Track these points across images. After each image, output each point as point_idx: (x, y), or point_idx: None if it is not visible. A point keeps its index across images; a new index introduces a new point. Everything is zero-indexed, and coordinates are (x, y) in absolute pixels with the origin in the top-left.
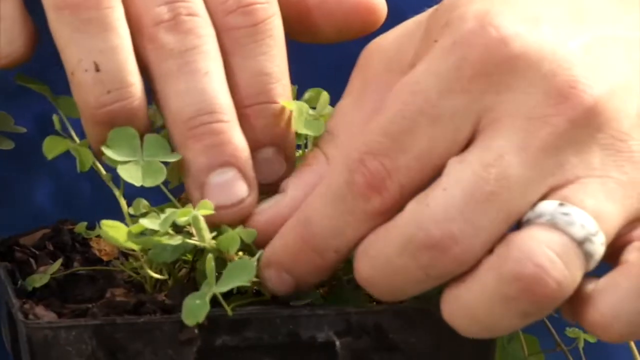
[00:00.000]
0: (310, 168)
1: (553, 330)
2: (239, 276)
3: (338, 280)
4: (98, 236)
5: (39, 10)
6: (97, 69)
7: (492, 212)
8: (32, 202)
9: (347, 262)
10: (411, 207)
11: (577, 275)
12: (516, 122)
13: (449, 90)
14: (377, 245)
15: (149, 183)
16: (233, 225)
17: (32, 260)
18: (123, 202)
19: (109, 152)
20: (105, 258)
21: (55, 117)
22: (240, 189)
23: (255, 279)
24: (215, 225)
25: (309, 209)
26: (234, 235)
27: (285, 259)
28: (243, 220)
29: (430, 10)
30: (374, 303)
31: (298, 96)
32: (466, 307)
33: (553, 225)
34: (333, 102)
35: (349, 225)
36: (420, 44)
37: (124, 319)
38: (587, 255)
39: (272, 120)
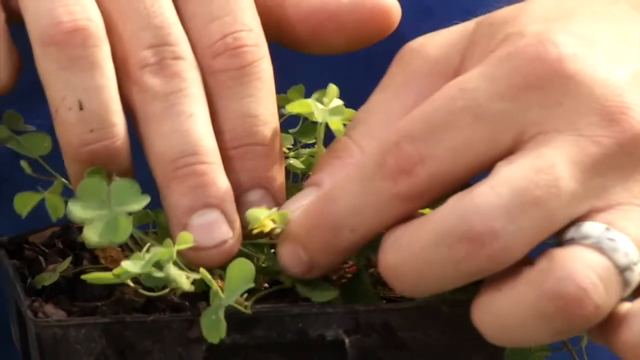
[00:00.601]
0: (344, 161)
1: None
2: (242, 281)
3: (350, 277)
4: None
5: (21, 38)
6: (81, 108)
7: (536, 217)
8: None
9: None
10: (454, 200)
11: (614, 301)
12: (567, 137)
13: (498, 95)
14: (410, 235)
15: (114, 240)
16: (214, 267)
17: (41, 258)
18: None
19: (75, 208)
20: (111, 266)
21: (23, 163)
22: (223, 231)
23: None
24: (196, 265)
25: (334, 186)
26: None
27: (302, 233)
28: (225, 262)
29: (478, 22)
30: (384, 302)
31: (306, 96)
32: (498, 317)
33: (598, 249)
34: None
35: (371, 205)
36: (469, 55)
37: (133, 317)
38: (626, 283)
39: (259, 162)
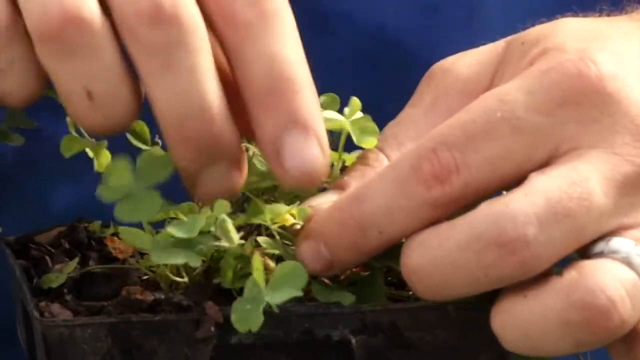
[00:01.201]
0: (373, 170)
1: None
2: (291, 283)
3: (363, 280)
4: (113, 234)
5: None
6: (90, 97)
7: (567, 228)
8: (51, 202)
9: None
10: (486, 205)
11: (638, 317)
12: (601, 154)
13: (536, 109)
14: (438, 237)
15: (144, 217)
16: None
17: (47, 258)
18: None
19: (104, 191)
20: (120, 256)
21: (69, 120)
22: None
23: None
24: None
25: (365, 185)
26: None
27: (327, 230)
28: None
29: (508, 42)
30: (391, 302)
31: None
32: (521, 323)
33: (628, 263)
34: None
35: (402, 209)
36: (500, 75)
37: (140, 317)
38: None
39: (293, 97)
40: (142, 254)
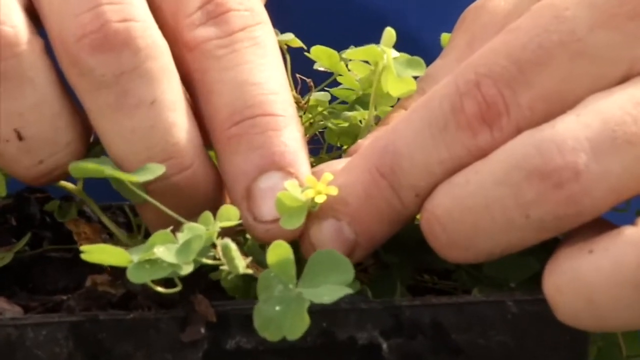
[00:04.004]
0: None
1: None
2: (330, 276)
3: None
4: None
5: None
6: (20, 138)
7: (629, 158)
8: None
9: None
10: (529, 130)
11: None
12: None
13: (602, 25)
14: (467, 172)
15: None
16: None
17: None
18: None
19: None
20: (85, 243)
21: None
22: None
23: None
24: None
25: (394, 135)
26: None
27: (354, 200)
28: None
29: None
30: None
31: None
32: (584, 284)
33: None
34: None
35: (442, 163)
36: None
37: (109, 314)
38: None
39: (270, 136)
40: (110, 235)
